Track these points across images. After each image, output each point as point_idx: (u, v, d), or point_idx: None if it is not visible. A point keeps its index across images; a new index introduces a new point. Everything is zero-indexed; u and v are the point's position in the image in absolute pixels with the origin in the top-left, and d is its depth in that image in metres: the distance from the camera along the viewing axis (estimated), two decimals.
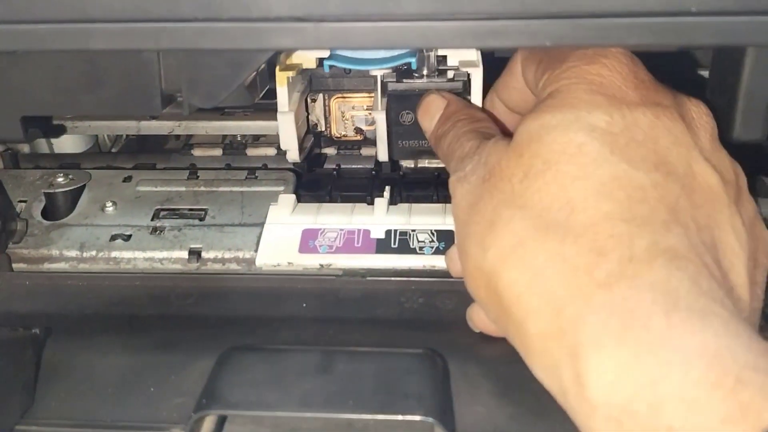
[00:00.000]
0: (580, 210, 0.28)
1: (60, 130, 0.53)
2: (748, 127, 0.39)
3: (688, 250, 0.27)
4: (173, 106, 0.41)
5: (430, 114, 0.42)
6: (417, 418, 0.34)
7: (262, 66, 0.45)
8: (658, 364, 0.24)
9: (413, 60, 0.46)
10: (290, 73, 0.50)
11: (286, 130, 0.50)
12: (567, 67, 0.32)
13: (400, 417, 0.34)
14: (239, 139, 0.65)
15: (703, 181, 0.30)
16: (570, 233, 0.28)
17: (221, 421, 0.38)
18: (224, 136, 0.65)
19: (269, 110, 0.56)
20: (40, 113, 0.43)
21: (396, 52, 0.46)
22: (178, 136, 0.68)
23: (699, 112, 0.32)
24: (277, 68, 0.49)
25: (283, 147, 0.52)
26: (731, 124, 0.39)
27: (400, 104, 0.49)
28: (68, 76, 0.40)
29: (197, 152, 0.63)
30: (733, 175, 0.32)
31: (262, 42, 0.32)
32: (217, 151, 0.63)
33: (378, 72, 0.49)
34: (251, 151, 0.63)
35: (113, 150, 0.71)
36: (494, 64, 0.46)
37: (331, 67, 0.47)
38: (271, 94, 0.50)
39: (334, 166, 0.59)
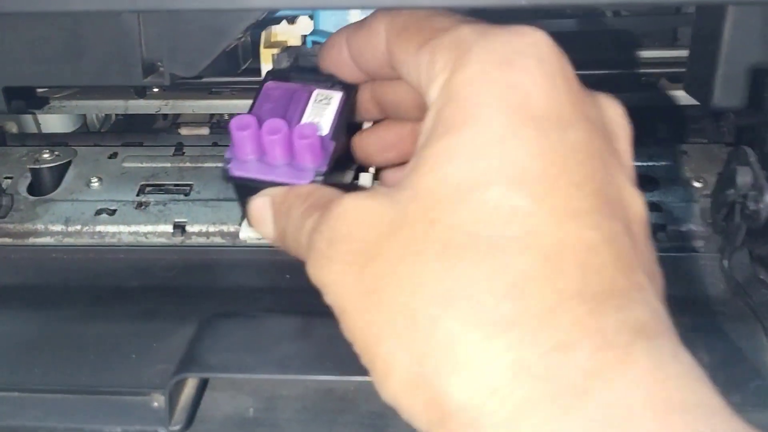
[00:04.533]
0: (528, 297, 0.21)
1: (43, 102, 0.53)
2: (728, 94, 0.39)
3: (655, 319, 0.22)
4: (155, 76, 0.41)
5: (261, 221, 0.31)
6: None
7: (244, 37, 0.45)
8: None
9: None
10: (274, 51, 0.50)
11: None
12: (472, 66, 0.24)
13: None
14: (226, 117, 0.65)
15: (635, 211, 0.24)
16: (521, 331, 0.21)
17: (202, 387, 0.38)
18: (211, 115, 0.66)
19: (256, 89, 0.56)
20: (22, 83, 0.43)
21: None
22: (165, 116, 0.68)
23: (617, 115, 0.26)
24: (262, 46, 0.49)
25: None
26: (711, 91, 0.39)
27: None
28: (49, 45, 0.41)
29: (184, 131, 0.63)
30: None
31: (239, 1, 0.32)
32: (204, 130, 0.63)
33: None
34: None
35: (102, 130, 0.71)
36: None
37: (314, 43, 0.47)
38: (259, 72, 0.50)
39: None
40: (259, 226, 0.31)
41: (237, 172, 0.29)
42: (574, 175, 0.23)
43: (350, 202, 0.25)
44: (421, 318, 0.22)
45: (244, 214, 0.31)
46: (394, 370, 0.23)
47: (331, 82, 0.32)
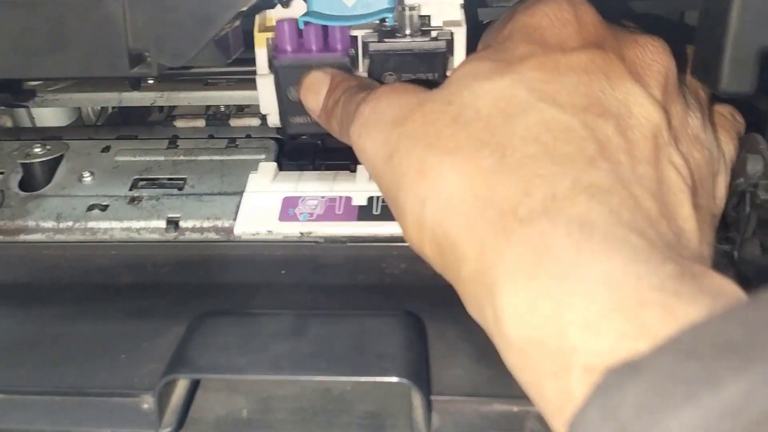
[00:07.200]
0: (508, 154, 0.28)
1: (30, 95, 0.52)
2: (736, 79, 0.37)
3: (614, 184, 0.27)
4: (142, 66, 0.40)
5: (315, 90, 0.40)
6: (393, 379, 0.33)
7: (236, 24, 0.43)
8: (564, 294, 0.25)
9: (390, 16, 0.44)
10: (269, 35, 0.48)
11: (266, 93, 0.49)
12: (513, 20, 0.33)
13: (373, 379, 0.33)
14: (223, 109, 0.64)
15: (642, 119, 0.30)
16: (499, 177, 0.28)
17: (193, 387, 0.37)
18: (207, 107, 0.64)
19: (253, 80, 0.55)
20: (6, 76, 0.42)
21: (372, 9, 0.44)
22: (161, 109, 0.67)
23: (645, 54, 0.32)
24: (255, 30, 0.48)
25: (263, 111, 0.50)
26: (718, 76, 0.37)
27: (382, 65, 0.48)
28: (32, 36, 0.39)
29: (180, 123, 0.62)
30: (683, 115, 0.33)
31: None
32: (200, 122, 0.62)
33: (359, 32, 0.48)
34: (235, 122, 0.61)
35: (97, 123, 0.69)
36: (480, 27, 0.44)
37: (306, 23, 0.45)
38: (253, 62, 0.49)
39: None
40: (309, 93, 0.40)
41: (282, 57, 0.39)
42: (567, 79, 0.30)
43: (394, 84, 0.34)
44: (427, 169, 0.29)
45: (281, 105, 0.42)
46: (406, 215, 0.30)
47: None
